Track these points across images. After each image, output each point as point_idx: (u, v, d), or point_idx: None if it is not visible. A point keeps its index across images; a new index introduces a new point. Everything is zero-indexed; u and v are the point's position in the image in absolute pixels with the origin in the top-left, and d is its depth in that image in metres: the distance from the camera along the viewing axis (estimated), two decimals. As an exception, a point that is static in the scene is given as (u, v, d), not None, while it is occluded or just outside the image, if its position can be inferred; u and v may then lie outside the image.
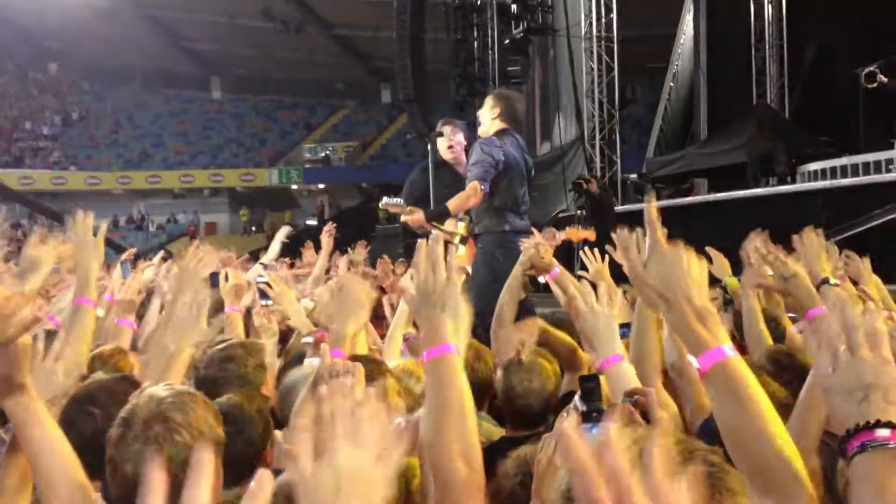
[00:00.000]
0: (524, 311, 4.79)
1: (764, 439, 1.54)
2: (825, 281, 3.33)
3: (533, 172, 6.27)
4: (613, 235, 3.62)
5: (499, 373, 3.25)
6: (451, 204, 5.70)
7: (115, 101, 47.54)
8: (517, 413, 3.13)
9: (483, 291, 4.78)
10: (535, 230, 4.31)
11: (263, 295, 4.59)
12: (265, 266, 5.61)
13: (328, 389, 1.10)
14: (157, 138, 45.83)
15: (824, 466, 2.03)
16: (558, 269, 3.99)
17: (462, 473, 1.79)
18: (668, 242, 1.69)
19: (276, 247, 5.98)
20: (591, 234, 5.87)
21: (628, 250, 1.71)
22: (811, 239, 3.48)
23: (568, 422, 2.03)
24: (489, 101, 6.08)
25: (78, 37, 42.12)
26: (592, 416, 2.02)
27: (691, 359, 1.61)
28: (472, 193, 5.67)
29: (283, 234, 6.07)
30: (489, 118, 6.00)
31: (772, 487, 1.54)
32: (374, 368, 2.73)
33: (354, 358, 2.76)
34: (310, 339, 3.97)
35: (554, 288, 3.87)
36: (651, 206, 1.75)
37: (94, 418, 2.38)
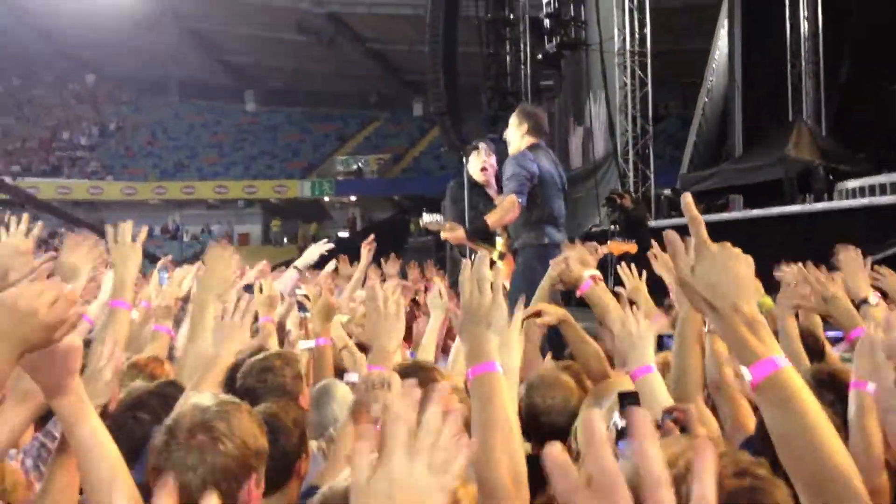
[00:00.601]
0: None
1: (820, 451, 1.50)
2: (865, 300, 3.30)
3: (566, 186, 6.28)
4: (660, 263, 3.58)
5: (521, 389, 3.23)
6: (490, 219, 5.71)
7: (152, 112, 48.14)
8: (541, 429, 3.09)
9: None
10: (578, 242, 4.27)
11: (301, 307, 4.61)
12: (299, 270, 5.62)
13: (389, 399, 1.11)
14: (192, 149, 46.30)
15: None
16: (589, 283, 3.95)
17: (508, 489, 1.80)
18: (718, 243, 1.63)
19: (312, 254, 5.95)
20: (632, 248, 5.84)
21: (677, 254, 1.65)
22: (850, 257, 3.44)
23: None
24: (514, 120, 6.09)
25: (116, 48, 42.76)
26: None
27: (743, 369, 1.58)
28: (509, 207, 5.66)
29: (321, 247, 6.03)
30: (518, 135, 6.01)
31: (828, 500, 1.50)
32: (426, 376, 2.72)
33: (408, 366, 2.75)
34: (311, 344, 3.99)
35: (589, 300, 3.85)
36: (689, 203, 1.68)
37: (142, 424, 2.40)
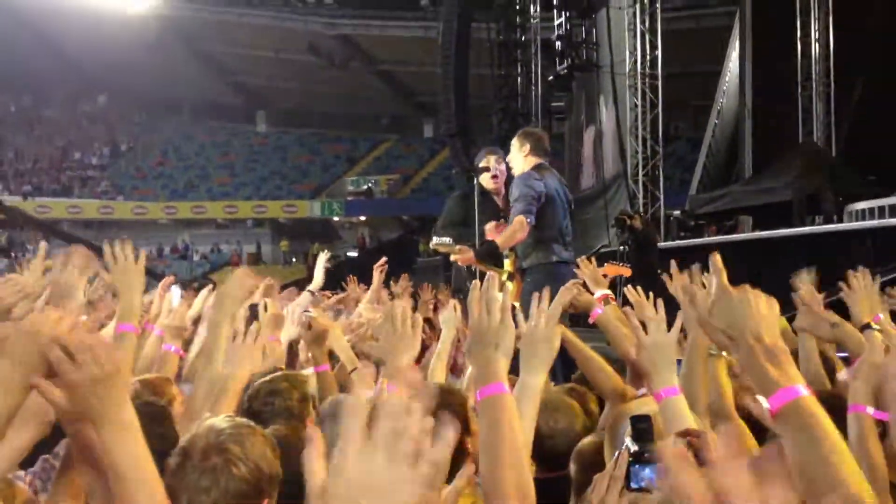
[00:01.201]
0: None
1: (841, 482, 1.48)
2: (867, 326, 3.29)
3: (573, 206, 6.29)
4: (675, 284, 3.60)
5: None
6: (500, 240, 5.72)
7: (163, 132, 48.40)
8: (545, 454, 3.02)
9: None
10: (585, 261, 4.28)
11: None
12: (313, 294, 5.63)
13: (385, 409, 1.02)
14: (202, 169, 46.51)
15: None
16: (600, 309, 3.96)
17: None
18: (735, 287, 1.65)
19: (320, 274, 5.96)
20: (626, 271, 5.87)
21: (695, 297, 1.67)
22: (856, 283, 3.45)
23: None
24: (515, 142, 6.11)
25: (128, 69, 43.04)
26: (644, 456, 2.00)
27: (761, 399, 1.57)
28: (518, 228, 5.68)
29: (323, 260, 6.01)
30: (521, 157, 6.02)
31: None
32: (453, 400, 2.68)
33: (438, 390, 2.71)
34: (310, 371, 3.99)
35: (601, 325, 3.85)
36: (716, 258, 1.72)
37: None
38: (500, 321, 2.02)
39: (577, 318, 4.82)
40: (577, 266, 4.43)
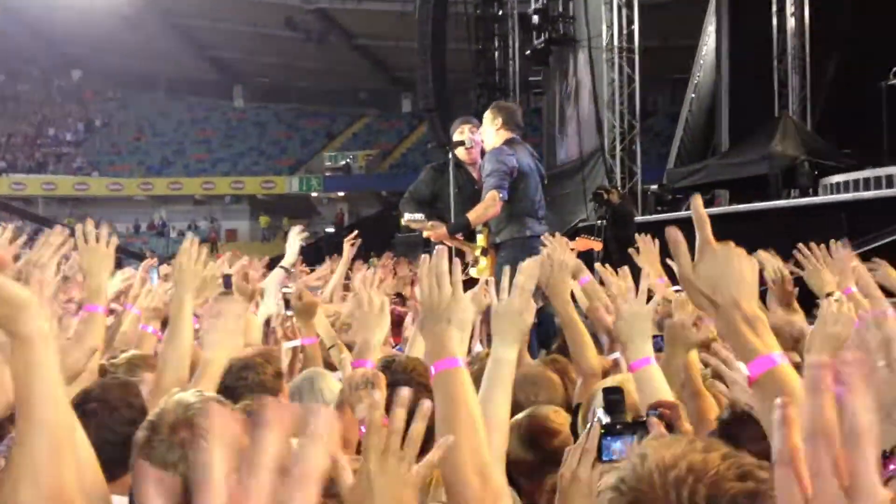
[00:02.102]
0: (547, 319, 4.80)
1: None
2: (829, 295, 3.31)
3: (546, 180, 6.27)
4: (643, 257, 3.60)
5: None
6: (472, 215, 5.70)
7: (139, 108, 47.93)
8: None
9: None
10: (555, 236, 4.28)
11: (288, 304, 4.58)
12: (286, 270, 5.54)
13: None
14: (179, 145, 46.16)
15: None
16: (587, 277, 3.97)
17: (476, 488, 1.78)
18: (720, 242, 1.63)
19: (293, 249, 5.84)
20: (597, 245, 5.85)
21: (679, 251, 1.64)
22: (810, 255, 3.48)
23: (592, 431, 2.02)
24: (488, 116, 6.06)
25: (102, 44, 42.57)
26: (616, 428, 2.01)
27: (741, 365, 1.57)
28: (490, 203, 5.66)
29: (295, 233, 5.85)
30: (493, 130, 5.99)
31: None
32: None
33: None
34: (296, 344, 3.98)
35: (580, 295, 3.86)
36: (698, 204, 1.69)
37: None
38: (450, 294, 1.98)
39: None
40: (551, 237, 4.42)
